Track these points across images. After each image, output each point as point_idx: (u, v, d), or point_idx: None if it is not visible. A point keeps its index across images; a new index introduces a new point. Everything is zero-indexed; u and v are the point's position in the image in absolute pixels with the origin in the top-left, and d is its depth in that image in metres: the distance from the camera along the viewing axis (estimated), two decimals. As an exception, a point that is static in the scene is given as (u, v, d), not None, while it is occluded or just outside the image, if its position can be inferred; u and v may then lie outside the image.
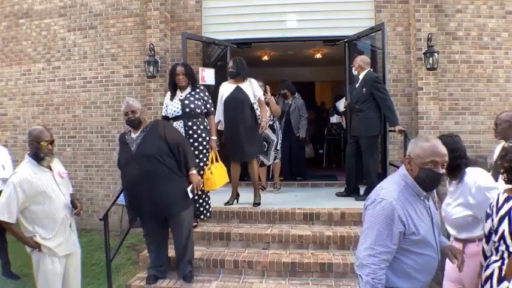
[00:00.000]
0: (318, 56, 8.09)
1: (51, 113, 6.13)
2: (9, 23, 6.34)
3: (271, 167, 5.46)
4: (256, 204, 4.30)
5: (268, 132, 4.96)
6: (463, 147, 2.33)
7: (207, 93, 3.93)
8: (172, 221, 3.22)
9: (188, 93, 3.81)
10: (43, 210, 2.68)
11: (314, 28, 5.67)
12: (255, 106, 4.22)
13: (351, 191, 4.77)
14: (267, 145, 5.03)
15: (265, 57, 8.25)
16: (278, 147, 5.14)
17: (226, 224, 4.17)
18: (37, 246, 2.67)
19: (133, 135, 3.17)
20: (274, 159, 5.15)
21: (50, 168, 2.79)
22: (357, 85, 4.68)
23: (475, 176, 2.23)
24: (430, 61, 5.03)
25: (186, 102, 3.76)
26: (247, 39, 5.82)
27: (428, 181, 1.75)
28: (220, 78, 5.37)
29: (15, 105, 6.31)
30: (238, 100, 4.14)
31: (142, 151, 3.07)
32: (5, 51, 6.37)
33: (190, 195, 3.18)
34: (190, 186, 3.18)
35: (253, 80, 4.33)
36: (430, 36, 5.01)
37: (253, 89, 4.22)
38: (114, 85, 5.90)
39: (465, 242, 2.28)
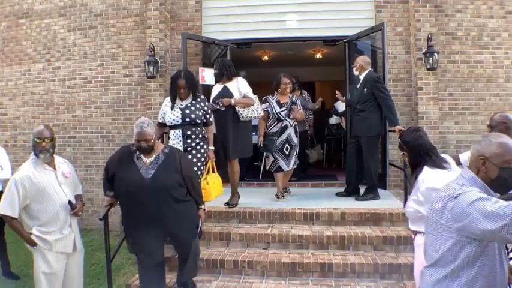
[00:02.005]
0: (318, 56, 8.09)
1: (51, 113, 6.13)
2: (9, 23, 6.34)
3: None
4: (231, 205, 4.30)
5: (292, 134, 4.64)
6: (426, 144, 2.41)
7: (207, 103, 3.88)
8: (180, 247, 3.07)
9: (189, 103, 3.72)
10: (43, 208, 2.72)
11: (314, 28, 5.67)
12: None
13: (351, 191, 4.77)
14: (289, 148, 4.61)
15: (265, 57, 8.26)
16: (297, 152, 4.76)
17: (226, 224, 4.17)
18: (33, 243, 2.72)
19: (146, 159, 2.90)
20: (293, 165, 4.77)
21: (54, 168, 2.83)
22: (358, 85, 4.67)
23: (425, 175, 2.31)
24: (430, 61, 5.02)
25: (187, 111, 3.67)
26: (247, 39, 5.81)
27: (511, 180, 1.61)
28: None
29: (15, 105, 6.31)
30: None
31: (157, 182, 2.82)
32: (5, 51, 6.37)
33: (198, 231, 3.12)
34: (200, 222, 3.10)
35: (240, 79, 4.30)
36: (430, 36, 5.01)
37: (238, 87, 4.21)
38: (114, 85, 5.90)
39: (415, 232, 2.47)
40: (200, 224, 3.09)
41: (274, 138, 4.54)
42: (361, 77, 4.61)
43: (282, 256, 3.60)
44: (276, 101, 4.66)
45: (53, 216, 2.75)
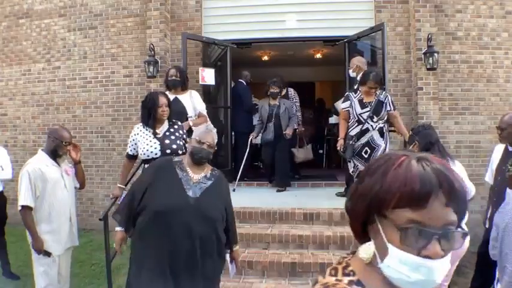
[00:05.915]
0: (318, 56, 8.09)
1: (51, 113, 6.12)
2: (9, 23, 6.34)
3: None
4: None
5: (375, 137, 3.99)
6: (435, 136, 2.52)
7: (185, 131, 3.28)
8: None
9: (166, 130, 3.13)
10: (48, 202, 2.86)
11: (314, 28, 5.67)
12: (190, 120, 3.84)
13: (351, 191, 4.76)
14: (370, 151, 3.98)
15: (265, 57, 8.26)
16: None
17: (226, 224, 4.17)
18: (40, 249, 2.79)
19: (193, 175, 2.25)
20: None
21: (59, 164, 3.01)
22: (356, 86, 4.67)
23: None
24: (430, 61, 5.02)
25: (167, 141, 3.05)
26: (247, 39, 5.82)
27: None
28: (219, 78, 5.37)
29: (15, 105, 6.30)
30: (174, 113, 3.36)
31: (205, 208, 2.16)
32: (5, 51, 6.36)
33: (231, 275, 2.49)
34: (233, 265, 2.46)
35: (194, 93, 4.01)
36: (430, 36, 5.01)
37: (193, 102, 3.91)
38: (114, 85, 5.90)
39: None
40: (233, 270, 2.46)
41: (351, 142, 3.99)
42: (359, 77, 4.60)
43: (282, 256, 3.60)
44: (359, 100, 4.01)
45: (57, 210, 2.89)
